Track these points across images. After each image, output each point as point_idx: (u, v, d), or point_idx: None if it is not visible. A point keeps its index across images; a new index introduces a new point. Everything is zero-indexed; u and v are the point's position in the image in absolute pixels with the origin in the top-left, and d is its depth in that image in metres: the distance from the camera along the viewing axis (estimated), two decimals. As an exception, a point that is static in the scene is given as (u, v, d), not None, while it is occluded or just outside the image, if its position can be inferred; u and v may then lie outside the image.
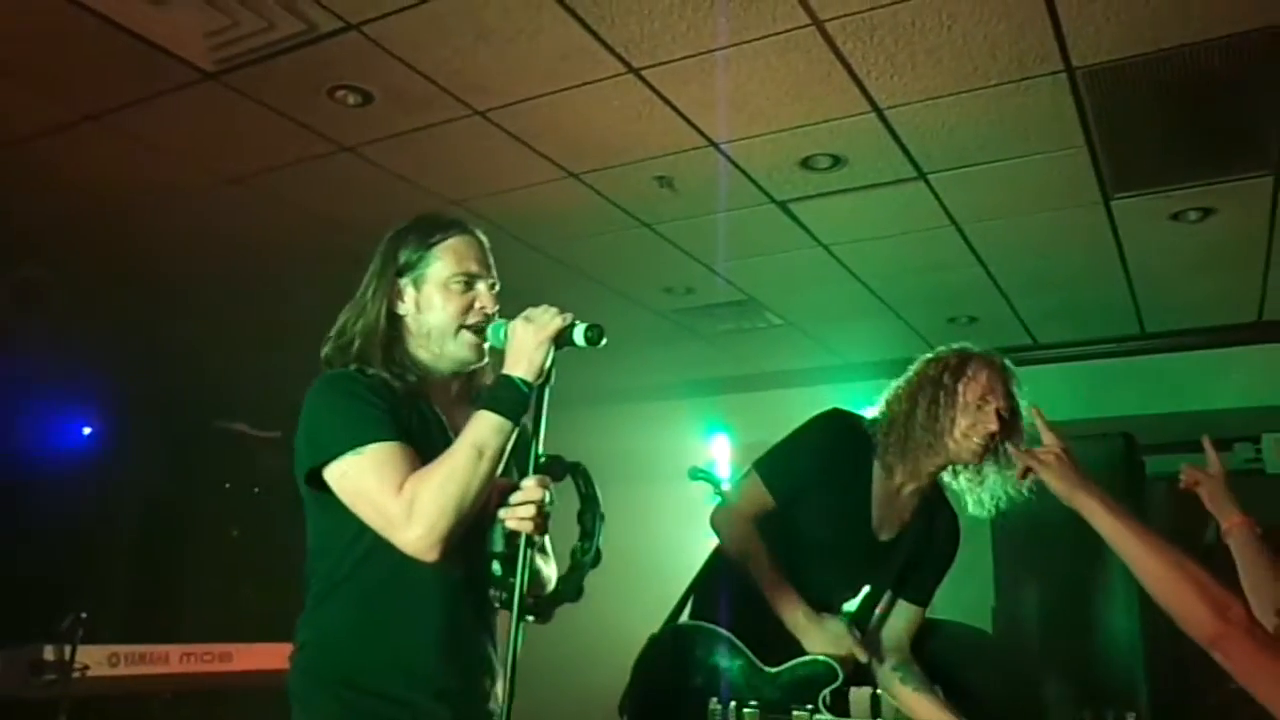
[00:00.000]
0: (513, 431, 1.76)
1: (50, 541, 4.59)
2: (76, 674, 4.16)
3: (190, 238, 4.56)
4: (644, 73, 3.19)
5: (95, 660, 4.35)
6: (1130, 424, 5.58)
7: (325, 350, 1.96)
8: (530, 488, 1.78)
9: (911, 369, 2.62)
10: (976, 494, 2.54)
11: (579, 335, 1.79)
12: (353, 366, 1.88)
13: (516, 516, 1.76)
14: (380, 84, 3.29)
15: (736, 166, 3.83)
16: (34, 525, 4.64)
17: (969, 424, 2.45)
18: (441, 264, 1.92)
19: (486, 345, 1.91)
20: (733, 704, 2.30)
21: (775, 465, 2.58)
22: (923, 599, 2.67)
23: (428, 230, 1.96)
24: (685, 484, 3.74)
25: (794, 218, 4.31)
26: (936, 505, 2.67)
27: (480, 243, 1.98)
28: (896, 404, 2.55)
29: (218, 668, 4.59)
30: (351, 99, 3.38)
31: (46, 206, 4.35)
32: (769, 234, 4.46)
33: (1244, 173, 3.78)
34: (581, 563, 1.84)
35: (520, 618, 1.71)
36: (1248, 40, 2.92)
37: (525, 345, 1.78)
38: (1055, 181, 3.90)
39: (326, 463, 1.76)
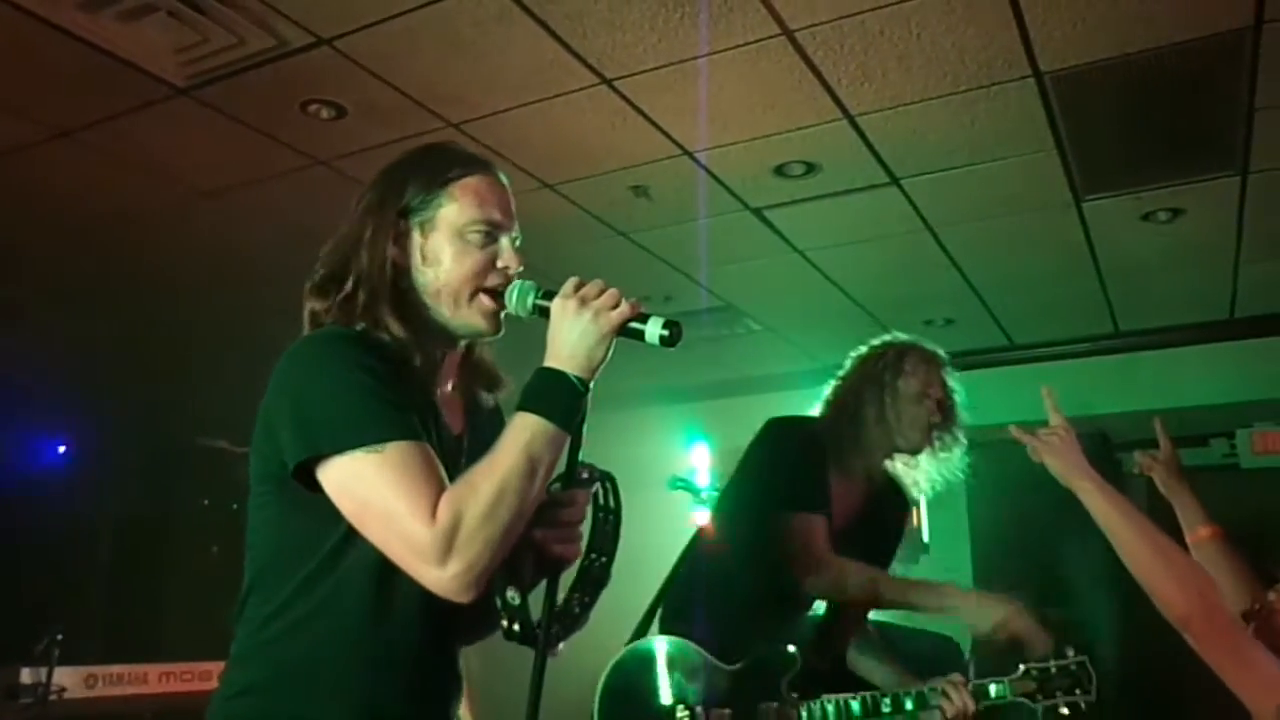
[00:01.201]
0: (563, 439, 1.42)
1: (25, 561, 4.54)
2: (53, 697, 4.10)
3: (166, 254, 4.54)
4: (617, 83, 3.20)
5: (72, 682, 4.28)
6: (1105, 422, 5.64)
7: (313, 304, 1.56)
8: (579, 506, 1.50)
9: (848, 366, 2.72)
10: (913, 477, 2.73)
11: (653, 333, 1.43)
12: (360, 326, 1.50)
13: (564, 541, 1.47)
14: (353, 98, 3.29)
15: (711, 175, 3.85)
16: (9, 545, 4.59)
17: (913, 416, 2.59)
18: (457, 207, 1.53)
19: (503, 314, 1.56)
20: (699, 708, 2.31)
21: (798, 490, 2.61)
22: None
23: (442, 163, 1.58)
24: (665, 493, 3.74)
25: (769, 224, 4.33)
26: (882, 487, 2.77)
27: (504, 186, 1.60)
28: (843, 403, 2.67)
29: (198, 686, 4.53)
30: (325, 113, 3.38)
31: (19, 224, 4.31)
32: (745, 241, 4.48)
33: (1211, 173, 3.83)
34: (599, 581, 1.54)
35: (545, 655, 1.43)
36: (1211, 44, 2.97)
37: (580, 338, 1.42)
38: (1027, 185, 3.94)
39: (328, 456, 1.37)
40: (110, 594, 4.84)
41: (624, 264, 4.66)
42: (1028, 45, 2.98)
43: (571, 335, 1.42)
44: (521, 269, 1.57)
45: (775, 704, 2.33)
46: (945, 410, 2.64)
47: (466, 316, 1.54)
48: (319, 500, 1.40)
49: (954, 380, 2.69)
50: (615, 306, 1.44)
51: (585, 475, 1.53)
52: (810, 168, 3.80)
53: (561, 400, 1.41)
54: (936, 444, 2.66)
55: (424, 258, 1.54)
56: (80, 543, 4.93)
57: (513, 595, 1.45)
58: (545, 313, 1.49)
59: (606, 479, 1.56)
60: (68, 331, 5.08)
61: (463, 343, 1.63)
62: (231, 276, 4.68)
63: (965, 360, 5.95)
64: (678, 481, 3.43)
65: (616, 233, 4.40)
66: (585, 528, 1.55)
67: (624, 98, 3.28)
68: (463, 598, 1.35)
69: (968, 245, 4.57)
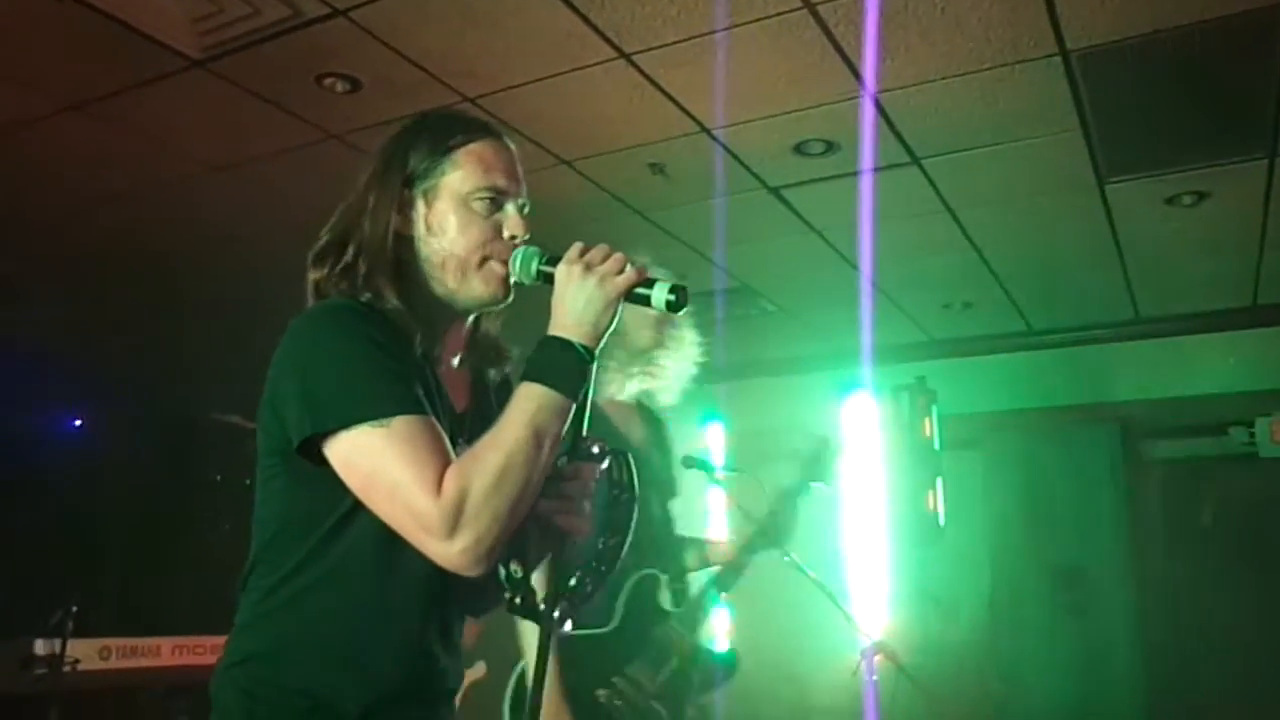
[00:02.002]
0: (569, 410, 1.39)
1: (41, 534, 4.57)
2: (67, 668, 4.13)
3: (178, 227, 4.53)
4: (635, 58, 3.16)
5: (86, 654, 4.30)
6: (1126, 409, 5.59)
7: (316, 274, 1.54)
8: (584, 479, 1.45)
9: None
10: None
11: (659, 298, 1.40)
12: (365, 297, 1.48)
13: (567, 514, 1.43)
14: (368, 71, 3.25)
15: (729, 153, 3.80)
16: (25, 518, 4.61)
17: None
18: (461, 174, 1.50)
19: (513, 280, 1.51)
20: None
21: None
22: None
23: (445, 129, 1.55)
24: (680, 472, 3.71)
25: (787, 204, 4.28)
26: None
27: (511, 151, 1.57)
28: None
29: (210, 660, 4.52)
30: (340, 86, 3.34)
31: (30, 198, 4.30)
32: (762, 220, 4.43)
33: (1238, 156, 3.76)
34: (612, 560, 1.49)
35: (551, 631, 1.41)
36: (1242, 21, 2.90)
37: (585, 304, 1.39)
38: (1050, 166, 3.88)
39: (334, 431, 1.35)
40: (124, 567, 4.86)
41: (640, 243, 4.53)
42: (1055, 21, 2.92)
43: (577, 302, 1.40)
44: (528, 236, 1.53)
45: None
46: None
47: (474, 286, 1.51)
48: (325, 473, 1.39)
49: None
50: (620, 272, 1.41)
51: (595, 449, 1.48)
52: (830, 146, 3.74)
53: (567, 369, 1.38)
54: None
55: (428, 227, 1.51)
56: (94, 516, 4.96)
57: (515, 568, 1.43)
58: (550, 279, 1.45)
59: (620, 455, 1.52)
60: (79, 306, 5.08)
61: (469, 317, 1.60)
62: (243, 251, 4.66)
63: (983, 344, 5.98)
64: (692, 460, 3.40)
65: (633, 211, 4.36)
66: (600, 506, 1.51)
67: (642, 72, 3.24)
68: (471, 572, 1.33)
69: (988, 227, 4.52)
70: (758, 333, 6.04)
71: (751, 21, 2.95)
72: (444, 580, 1.39)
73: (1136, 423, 5.54)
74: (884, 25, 2.94)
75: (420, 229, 1.51)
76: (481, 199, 1.51)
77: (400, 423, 1.34)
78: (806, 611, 3.88)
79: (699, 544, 3.02)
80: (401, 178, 1.51)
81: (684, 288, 1.42)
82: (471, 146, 1.53)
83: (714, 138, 3.69)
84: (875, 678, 3.28)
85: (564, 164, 3.90)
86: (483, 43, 3.08)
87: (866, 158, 3.82)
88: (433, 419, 1.39)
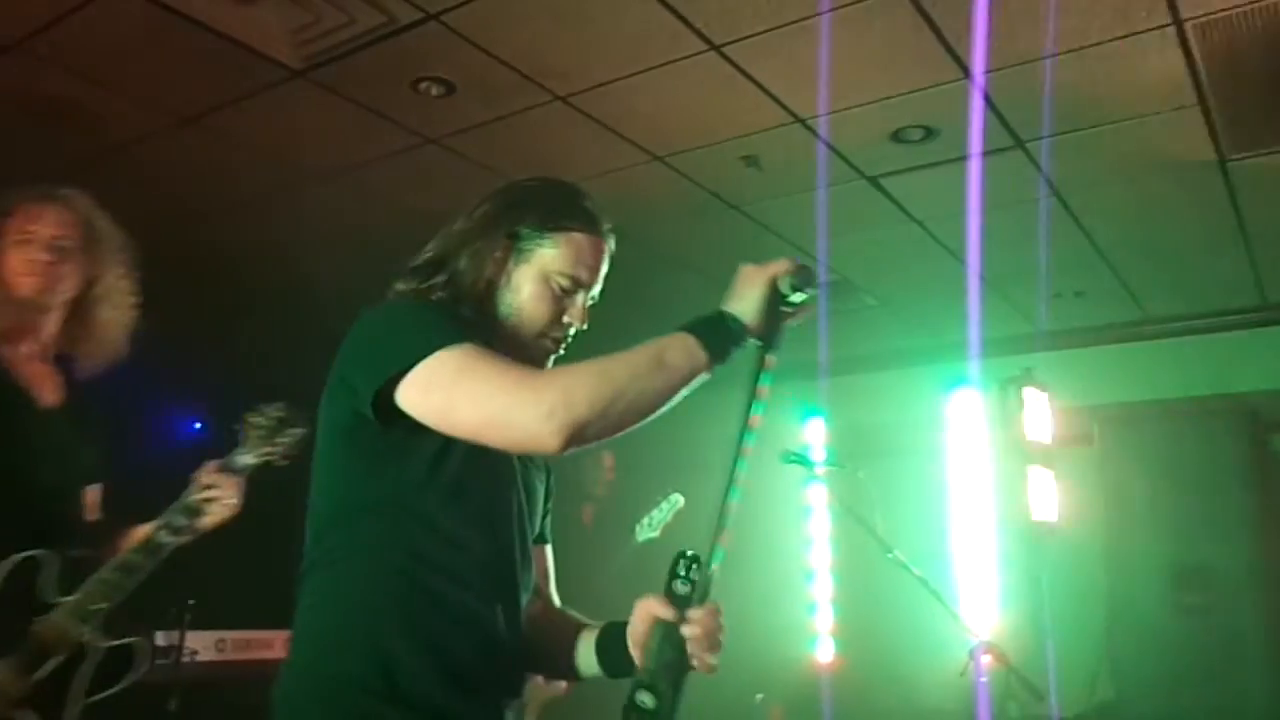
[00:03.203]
0: (704, 369, 1.44)
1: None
2: (186, 659, 4.31)
3: (286, 234, 4.67)
4: (725, 49, 3.12)
5: (203, 645, 4.49)
6: (1252, 400, 5.30)
7: (404, 285, 1.64)
8: (711, 621, 1.42)
9: None
10: None
11: (783, 282, 1.50)
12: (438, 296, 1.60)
13: (709, 653, 1.41)
14: (461, 74, 3.30)
15: (824, 142, 3.73)
16: (150, 515, 4.81)
17: None
18: (556, 254, 1.61)
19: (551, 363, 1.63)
20: None
21: None
22: None
23: (565, 208, 1.65)
24: (778, 468, 3.67)
25: (886, 193, 4.18)
26: None
27: (603, 249, 1.67)
28: None
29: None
30: (434, 90, 3.40)
31: (149, 211, 4.49)
32: (861, 211, 4.34)
33: (1376, 127, 3.53)
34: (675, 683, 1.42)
35: None
36: (1378, -19, 2.71)
37: (745, 281, 1.51)
38: (1165, 144, 3.69)
39: (410, 368, 1.39)
40: (238, 562, 5.04)
41: (735, 237, 4.58)
42: (1168, -9, 2.78)
43: (740, 281, 1.53)
44: (585, 327, 1.64)
45: None
46: None
47: (527, 353, 1.59)
48: (387, 448, 1.46)
49: None
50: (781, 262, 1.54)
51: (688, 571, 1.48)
52: (929, 132, 3.64)
53: (711, 324, 1.47)
54: None
55: (509, 282, 1.61)
56: (213, 514, 5.16)
57: (645, 699, 1.38)
58: None
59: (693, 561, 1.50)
60: (198, 313, 5.29)
61: None
62: (345, 257, 4.78)
63: (1096, 334, 5.74)
64: (791, 455, 3.35)
65: (728, 205, 4.32)
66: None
67: (733, 64, 3.20)
68: (550, 439, 1.34)
69: (1099, 211, 4.33)
70: (858, 327, 5.92)
71: (843, 6, 2.88)
72: (502, 568, 1.52)
73: (1265, 414, 5.24)
74: (982, 3, 2.84)
75: (502, 278, 1.61)
76: (561, 282, 1.61)
77: (472, 346, 1.41)
78: (913, 611, 3.80)
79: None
80: (508, 232, 1.62)
81: (809, 269, 1.52)
82: (575, 235, 1.63)
83: (808, 127, 3.62)
84: (985, 679, 3.18)
85: (656, 160, 3.89)
86: (573, 41, 3.10)
87: (969, 143, 3.70)
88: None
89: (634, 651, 1.49)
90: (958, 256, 4.86)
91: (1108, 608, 5.19)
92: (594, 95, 3.41)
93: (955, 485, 5.33)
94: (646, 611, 1.47)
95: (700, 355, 1.43)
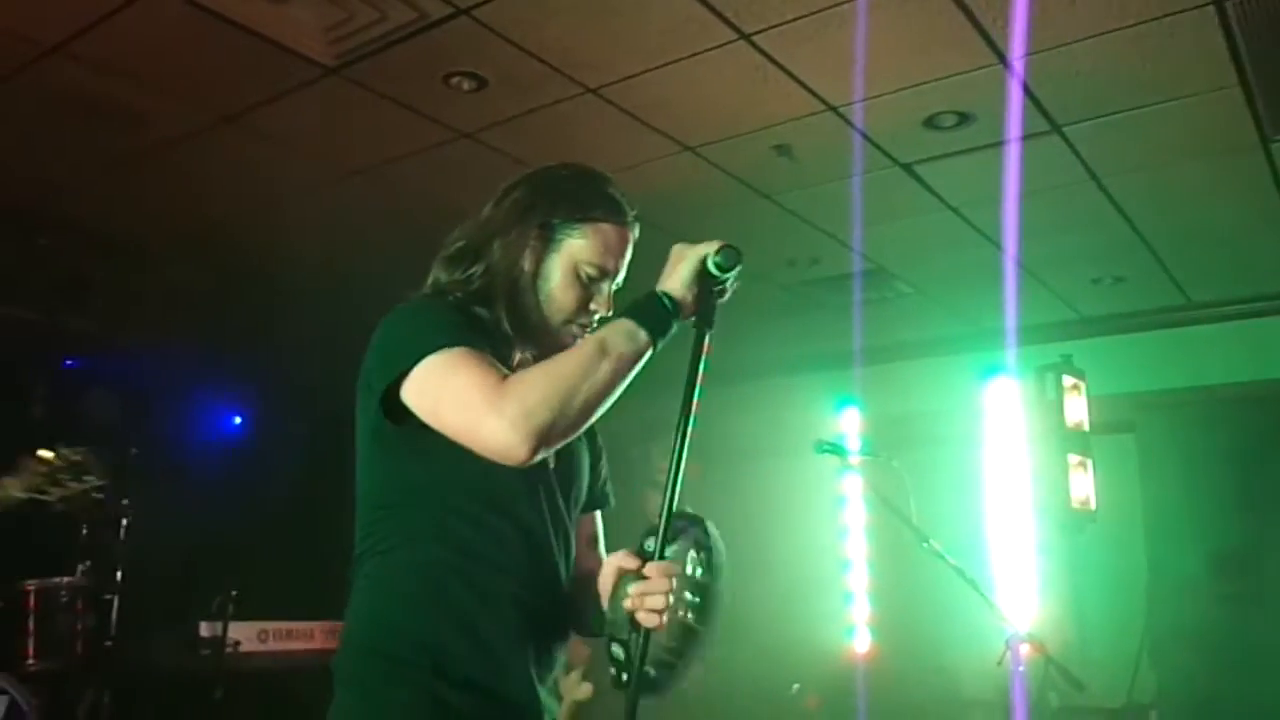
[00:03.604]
0: (647, 346, 1.52)
1: (205, 524, 4.85)
2: (230, 649, 4.39)
3: (322, 230, 4.72)
4: (755, 38, 3.11)
5: (246, 636, 4.58)
6: (1298, 386, 5.20)
7: (438, 272, 1.71)
8: (656, 577, 1.52)
9: None
10: None
11: (710, 261, 1.56)
12: (454, 298, 1.66)
13: (646, 609, 1.50)
14: (493, 68, 3.31)
15: (857, 130, 3.71)
16: (192, 509, 4.90)
17: None
18: (583, 244, 1.66)
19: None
20: None
21: None
22: None
23: (595, 200, 1.70)
24: (812, 459, 3.66)
25: (920, 180, 4.15)
26: None
27: (629, 238, 1.73)
28: None
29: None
30: (466, 85, 3.42)
31: (191, 206, 4.57)
32: (895, 199, 4.30)
33: None
34: (694, 639, 1.56)
35: (635, 701, 1.49)
36: None
37: (675, 260, 1.59)
38: (1206, 126, 3.63)
39: (409, 370, 1.48)
40: (279, 554, 5.12)
41: (768, 227, 4.56)
42: (1207, -30, 2.73)
43: (670, 262, 1.59)
44: (610, 314, 1.68)
45: None
46: None
47: (554, 339, 1.67)
48: (408, 443, 1.54)
49: None
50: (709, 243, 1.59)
51: (681, 525, 1.59)
52: (963, 118, 3.60)
53: (646, 306, 1.55)
54: None
55: (539, 270, 1.66)
56: (253, 507, 5.24)
57: (617, 650, 1.54)
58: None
59: (697, 524, 1.61)
60: (237, 309, 5.37)
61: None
62: (381, 252, 4.82)
63: (1137, 320, 5.66)
64: (825, 445, 3.34)
65: (760, 195, 4.30)
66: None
67: (763, 53, 3.19)
68: (517, 452, 1.42)
69: (1139, 195, 4.26)
70: (894, 315, 5.87)
71: (875, -8, 2.86)
72: (542, 542, 1.61)
73: (1311, 401, 5.15)
74: (1017, -14, 2.82)
75: (532, 267, 1.66)
76: (589, 271, 1.67)
77: (463, 350, 1.48)
78: (949, 601, 3.77)
79: None
80: (540, 221, 1.66)
81: (733, 249, 1.57)
82: (603, 225, 1.69)
83: (840, 115, 3.60)
84: (1022, 668, 3.15)
85: (687, 150, 3.89)
86: (602, 33, 3.10)
87: (1004, 128, 3.66)
88: (493, 357, 1.51)
89: (603, 603, 1.61)
90: (994, 243, 4.81)
91: (1148, 596, 5.13)
92: (624, 87, 3.41)
93: (992, 474, 5.28)
94: (613, 565, 1.61)
95: (641, 336, 1.51)
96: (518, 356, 1.69)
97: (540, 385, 1.44)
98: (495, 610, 1.57)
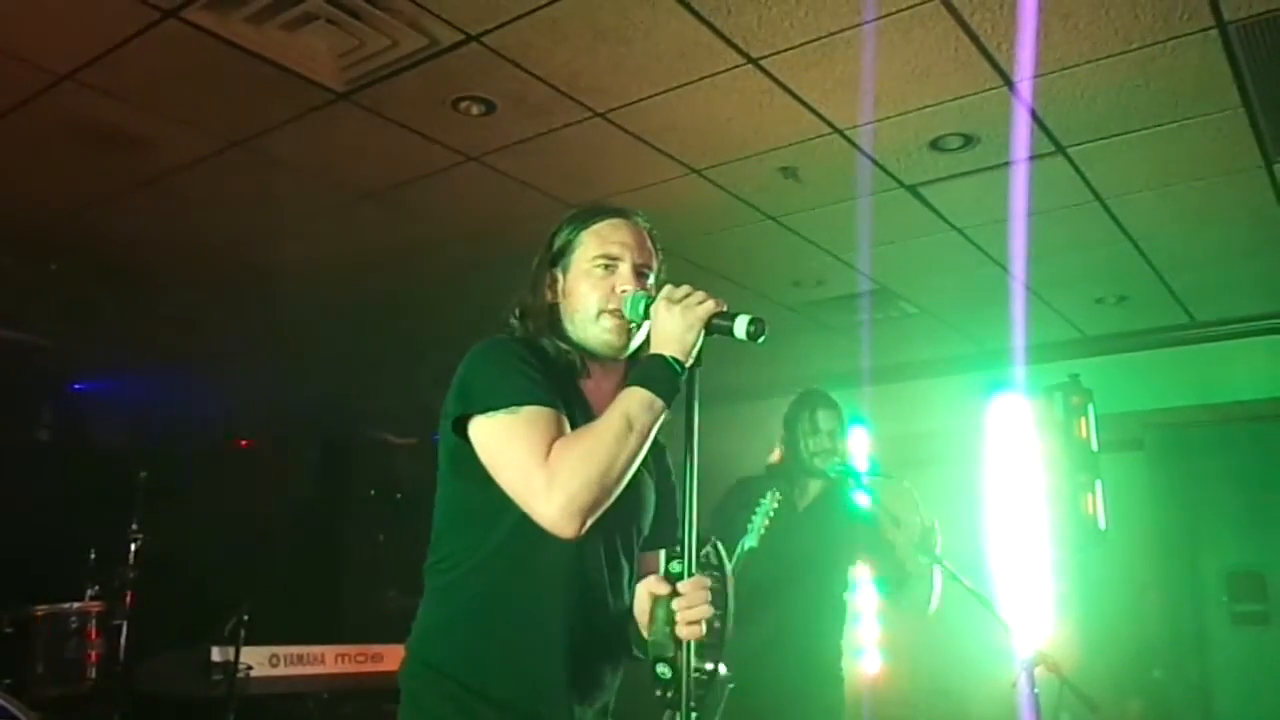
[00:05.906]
0: (663, 411, 1.66)
1: (215, 548, 4.86)
2: (241, 674, 4.37)
3: (331, 254, 4.75)
4: (763, 62, 3.14)
5: (258, 660, 4.57)
6: (1304, 404, 5.20)
7: (513, 320, 1.92)
8: (692, 591, 1.61)
9: None
10: None
11: (740, 328, 1.66)
12: (520, 333, 1.86)
13: (687, 622, 1.60)
14: (502, 92, 3.34)
15: (863, 152, 3.73)
16: (200, 533, 4.91)
17: None
18: (584, 249, 1.84)
19: (632, 326, 1.80)
20: None
21: None
22: None
23: (579, 216, 1.89)
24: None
25: (925, 202, 4.17)
26: None
27: (630, 225, 1.87)
28: None
29: (370, 668, 4.74)
30: (475, 109, 3.45)
31: (200, 231, 4.59)
32: (900, 220, 4.33)
33: None
34: (721, 637, 1.67)
35: (688, 711, 1.59)
36: None
37: (673, 327, 1.67)
38: (1209, 147, 3.65)
39: (476, 414, 1.68)
40: (290, 578, 5.12)
41: (774, 248, 4.58)
42: (1210, -7, 2.76)
43: (668, 326, 1.68)
44: (636, 289, 1.80)
45: None
46: None
47: (598, 334, 1.81)
48: (477, 468, 1.67)
49: None
50: (702, 303, 1.69)
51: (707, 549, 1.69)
52: (968, 140, 3.63)
53: (657, 374, 1.67)
54: None
55: (565, 295, 1.85)
56: (262, 531, 5.24)
57: (662, 669, 1.62)
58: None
59: (708, 544, 1.71)
60: (245, 332, 5.39)
61: (622, 359, 1.86)
62: (391, 275, 4.85)
63: (1141, 339, 5.66)
64: (834, 466, 3.34)
65: (766, 216, 4.33)
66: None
67: (770, 76, 3.22)
68: (567, 530, 1.58)
69: (1143, 216, 4.28)
70: (900, 335, 5.89)
71: (881, 17, 2.89)
72: (592, 575, 1.72)
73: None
74: (1021, 10, 2.84)
75: (560, 297, 1.86)
76: (597, 264, 1.82)
77: (529, 410, 1.65)
78: (960, 622, 3.75)
79: None
80: (549, 259, 1.88)
81: (762, 321, 1.66)
82: (594, 226, 1.86)
83: (846, 138, 3.63)
84: (1036, 690, 3.14)
85: (695, 173, 3.91)
86: (610, 57, 3.13)
87: (1009, 149, 3.69)
88: (558, 411, 1.67)
89: (643, 631, 1.72)
90: (998, 263, 4.82)
91: (1160, 615, 5.11)
92: (632, 111, 3.44)
93: (1000, 493, 5.28)
94: (645, 591, 1.73)
95: (658, 405, 1.66)
96: (579, 374, 1.84)
97: (581, 470, 1.59)
98: (539, 634, 1.69)
